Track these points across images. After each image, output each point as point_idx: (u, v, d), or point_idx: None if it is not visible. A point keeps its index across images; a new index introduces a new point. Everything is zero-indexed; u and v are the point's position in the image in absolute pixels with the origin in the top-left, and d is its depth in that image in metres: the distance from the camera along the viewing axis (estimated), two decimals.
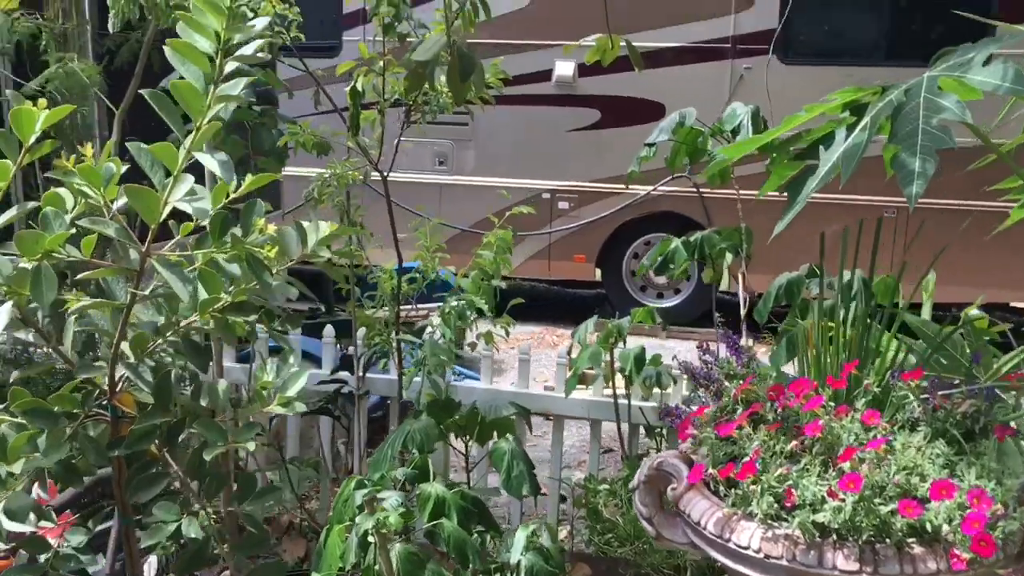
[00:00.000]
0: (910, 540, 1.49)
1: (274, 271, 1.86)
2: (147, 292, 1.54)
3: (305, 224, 1.97)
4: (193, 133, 1.46)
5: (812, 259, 3.29)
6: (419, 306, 3.99)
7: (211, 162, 1.45)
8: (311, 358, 4.49)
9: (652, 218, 8.46)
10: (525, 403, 3.59)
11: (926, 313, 3.06)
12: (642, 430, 3.61)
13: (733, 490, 1.60)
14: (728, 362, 1.90)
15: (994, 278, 7.48)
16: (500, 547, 2.87)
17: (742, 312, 3.43)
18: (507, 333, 3.58)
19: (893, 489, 1.49)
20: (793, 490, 1.50)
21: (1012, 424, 1.64)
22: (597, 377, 3.59)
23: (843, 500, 1.45)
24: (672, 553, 3.10)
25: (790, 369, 2.96)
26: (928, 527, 1.46)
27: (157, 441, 1.65)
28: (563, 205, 8.57)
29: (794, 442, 1.58)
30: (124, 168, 1.60)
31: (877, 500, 1.47)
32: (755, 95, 7.81)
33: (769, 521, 1.52)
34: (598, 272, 8.89)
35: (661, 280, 8.80)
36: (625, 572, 3.35)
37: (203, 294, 1.71)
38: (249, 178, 1.68)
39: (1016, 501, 1.51)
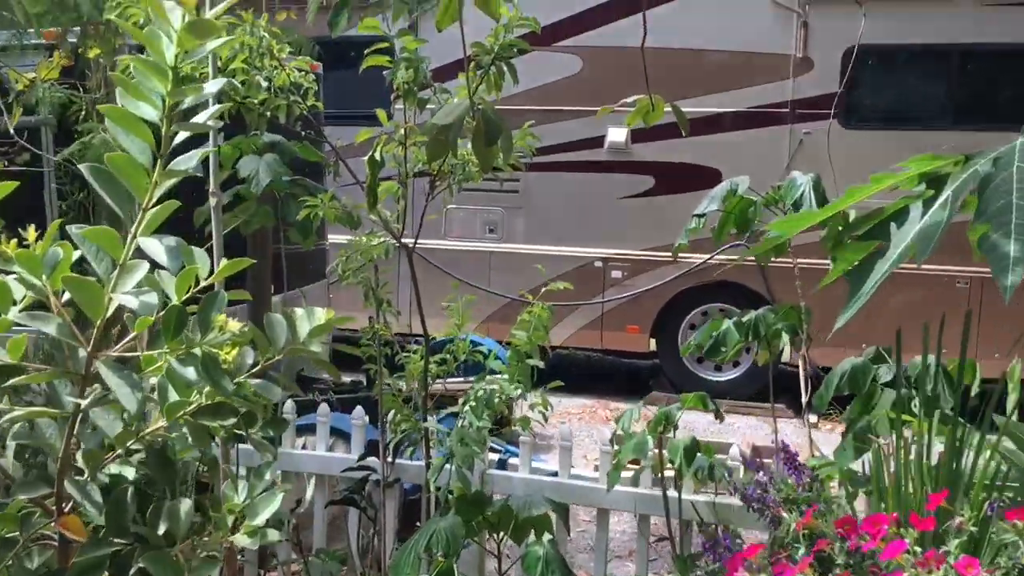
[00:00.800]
0: None
1: (259, 366, 1.63)
2: (87, 402, 1.31)
3: (297, 312, 1.75)
4: (139, 215, 1.25)
5: (885, 328, 3.00)
6: (447, 383, 3.72)
7: (157, 248, 1.23)
8: (343, 435, 4.26)
9: (709, 287, 8.16)
10: (567, 494, 3.31)
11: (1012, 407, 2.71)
12: (695, 526, 3.28)
13: None
14: (786, 483, 1.61)
15: None
16: None
17: (803, 398, 3.11)
18: (545, 418, 3.31)
19: None
20: None
21: None
22: (645, 467, 3.28)
23: None
24: None
25: (858, 467, 2.64)
26: None
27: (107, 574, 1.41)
28: (616, 274, 8.32)
29: None
30: (77, 254, 1.39)
31: None
32: (815, 161, 7.51)
33: None
34: (652, 343, 8.57)
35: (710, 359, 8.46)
36: None
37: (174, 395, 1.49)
38: (224, 263, 1.47)
39: None
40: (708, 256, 7.57)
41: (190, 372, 1.27)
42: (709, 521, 3.20)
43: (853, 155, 7.06)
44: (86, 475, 1.45)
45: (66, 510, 1.47)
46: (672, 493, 3.19)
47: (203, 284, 1.45)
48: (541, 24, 2.85)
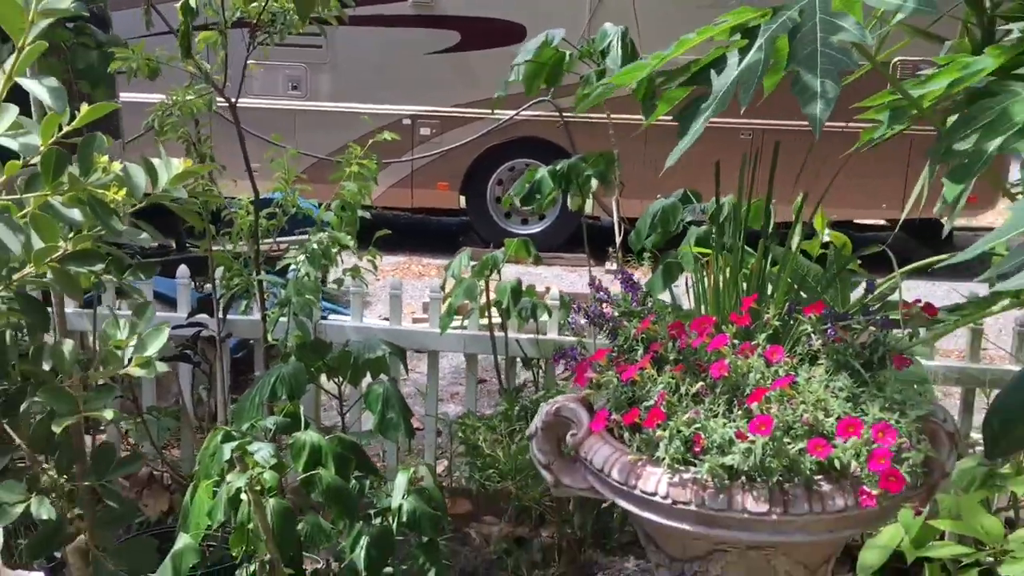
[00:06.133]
0: (818, 478, 1.46)
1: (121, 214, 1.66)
2: None
3: (155, 161, 1.76)
4: (15, 55, 1.24)
5: (679, 183, 3.27)
6: (279, 239, 3.76)
7: (39, 89, 1.23)
8: (164, 299, 4.22)
9: (516, 143, 8.36)
10: (399, 340, 3.47)
11: (797, 237, 3.08)
12: (519, 361, 3.56)
13: (638, 435, 1.54)
14: (625, 299, 1.82)
15: (843, 198, 7.73)
16: (380, 491, 2.76)
17: (617, 240, 3.38)
18: (375, 267, 3.42)
19: (801, 428, 1.46)
20: (701, 434, 1.45)
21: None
22: (473, 311, 3.49)
23: (753, 442, 1.41)
24: None
25: (667, 297, 2.96)
26: (837, 464, 1.44)
27: None
28: (424, 131, 8.35)
29: (700, 383, 1.53)
30: None
31: (786, 440, 1.43)
32: (616, 15, 7.66)
33: (676, 466, 1.47)
34: (462, 199, 8.75)
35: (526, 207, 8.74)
36: (506, 505, 3.31)
37: (37, 242, 1.50)
38: (85, 108, 1.47)
39: (918, 432, 1.50)
40: (515, 111, 7.74)
41: (75, 214, 1.30)
42: (532, 356, 3.49)
43: (657, 9, 7.29)
44: None
45: None
46: (498, 333, 3.42)
47: (66, 130, 1.46)
48: None
